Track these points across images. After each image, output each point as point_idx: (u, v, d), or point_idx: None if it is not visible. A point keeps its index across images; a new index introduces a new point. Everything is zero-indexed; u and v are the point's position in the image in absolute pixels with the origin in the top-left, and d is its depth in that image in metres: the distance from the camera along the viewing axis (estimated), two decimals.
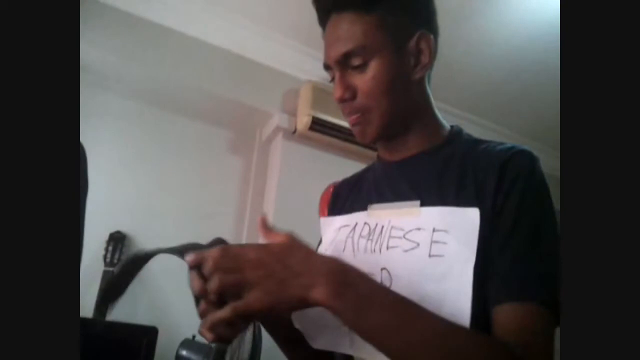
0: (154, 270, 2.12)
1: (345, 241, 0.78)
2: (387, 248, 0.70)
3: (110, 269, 1.91)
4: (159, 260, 2.11)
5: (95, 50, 1.99)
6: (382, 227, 0.73)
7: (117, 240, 1.99)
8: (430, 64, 0.76)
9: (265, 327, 0.78)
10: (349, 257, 0.75)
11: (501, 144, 0.73)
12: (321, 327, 0.73)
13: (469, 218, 0.64)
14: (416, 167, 0.77)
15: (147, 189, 2.21)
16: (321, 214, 0.95)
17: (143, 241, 2.11)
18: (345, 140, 2.25)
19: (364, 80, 0.71)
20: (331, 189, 0.95)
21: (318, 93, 2.23)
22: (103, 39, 1.99)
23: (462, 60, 2.35)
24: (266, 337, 1.75)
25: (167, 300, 2.12)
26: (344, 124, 2.17)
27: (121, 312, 1.94)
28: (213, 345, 1.73)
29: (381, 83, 0.71)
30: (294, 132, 2.29)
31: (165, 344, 1.84)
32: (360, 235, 0.75)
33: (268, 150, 2.46)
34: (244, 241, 2.32)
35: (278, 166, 2.28)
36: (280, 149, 2.30)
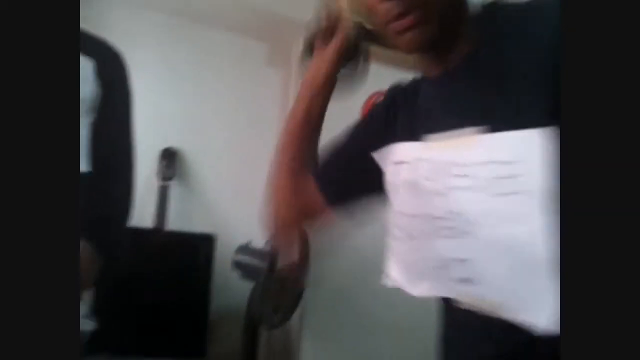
0: (208, 178, 2.23)
1: (409, 185, 0.69)
2: (452, 188, 0.61)
3: (165, 183, 2.02)
4: (213, 168, 2.22)
5: None
6: (442, 163, 0.63)
7: (169, 156, 2.08)
8: None
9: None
10: (413, 203, 0.68)
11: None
12: (421, 272, 0.68)
13: (535, 143, 0.53)
14: (461, 83, 0.66)
15: (192, 105, 2.27)
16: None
17: (193, 156, 2.20)
18: (386, 48, 2.19)
19: None
20: (374, 98, 0.91)
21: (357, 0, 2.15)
22: None
23: None
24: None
25: (221, 208, 2.24)
26: None
27: (176, 220, 2.08)
28: (268, 250, 1.84)
29: None
30: None
31: (222, 251, 1.98)
32: (422, 176, 0.66)
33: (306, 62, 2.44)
34: None
35: None
36: None
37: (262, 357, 2.17)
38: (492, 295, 0.58)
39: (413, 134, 0.71)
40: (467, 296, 0.62)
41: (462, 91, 0.65)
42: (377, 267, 2.26)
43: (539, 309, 0.52)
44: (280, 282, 1.88)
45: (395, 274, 0.73)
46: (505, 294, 0.56)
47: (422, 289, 0.68)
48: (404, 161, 0.71)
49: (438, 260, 0.64)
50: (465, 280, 0.60)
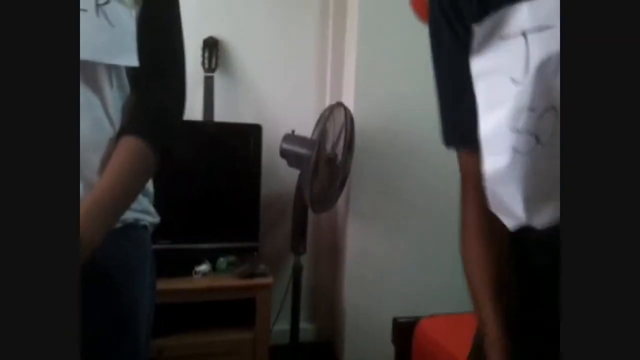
0: (253, 72, 2.20)
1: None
2: None
3: (210, 74, 2.02)
4: (257, 60, 2.17)
5: None
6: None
7: (211, 45, 2.05)
8: None
9: None
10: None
11: None
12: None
13: None
14: None
15: None
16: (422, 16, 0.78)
17: (236, 46, 2.16)
18: None
19: None
20: None
21: None
22: None
23: None
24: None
25: (264, 99, 2.24)
26: None
27: (223, 112, 2.11)
28: (313, 139, 1.86)
29: None
30: None
31: (268, 140, 2.01)
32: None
33: None
34: (329, 48, 2.28)
35: None
36: None
37: (311, 238, 2.29)
38: None
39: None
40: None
41: None
42: (417, 153, 2.26)
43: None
44: (326, 169, 1.93)
45: None
46: None
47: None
48: (494, 71, 0.58)
49: None
50: None
